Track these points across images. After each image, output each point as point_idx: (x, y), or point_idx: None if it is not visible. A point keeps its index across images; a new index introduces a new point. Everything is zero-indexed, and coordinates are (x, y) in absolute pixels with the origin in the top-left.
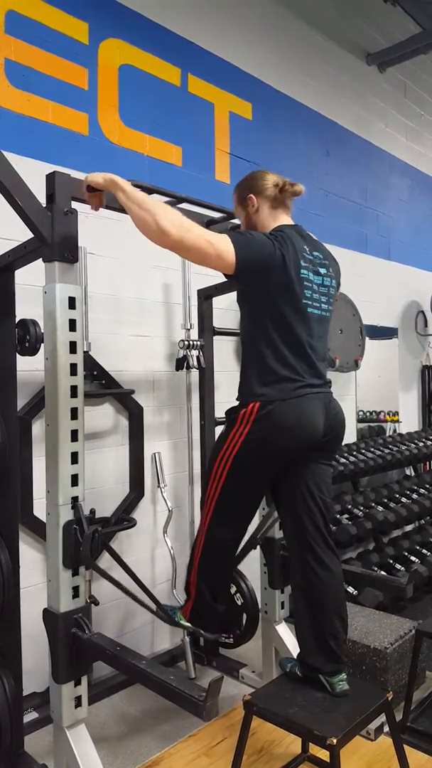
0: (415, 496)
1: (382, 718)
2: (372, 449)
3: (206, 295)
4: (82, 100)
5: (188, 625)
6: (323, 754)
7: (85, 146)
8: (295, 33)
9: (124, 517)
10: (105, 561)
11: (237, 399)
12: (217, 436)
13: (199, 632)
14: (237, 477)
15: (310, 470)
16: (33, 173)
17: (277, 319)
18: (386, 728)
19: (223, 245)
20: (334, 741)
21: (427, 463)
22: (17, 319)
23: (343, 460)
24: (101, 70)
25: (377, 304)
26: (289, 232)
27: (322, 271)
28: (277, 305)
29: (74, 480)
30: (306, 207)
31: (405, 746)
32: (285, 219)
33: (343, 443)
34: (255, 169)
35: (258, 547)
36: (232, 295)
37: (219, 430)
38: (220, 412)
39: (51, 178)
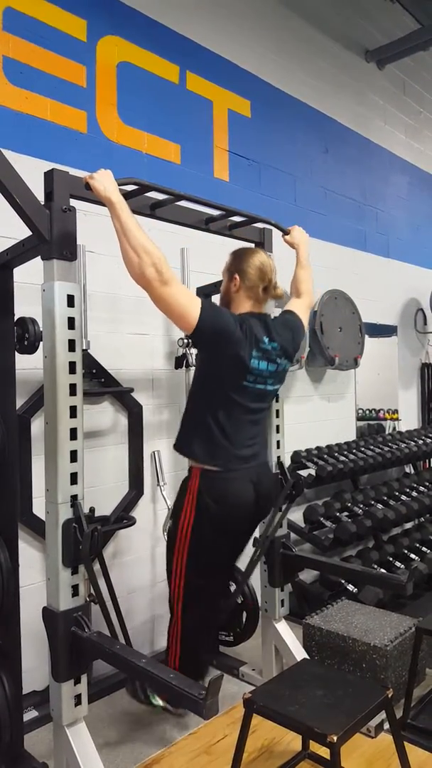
0: (414, 493)
1: (383, 715)
2: (371, 447)
3: (206, 293)
4: (80, 98)
5: (162, 705)
6: (324, 752)
7: (83, 144)
8: (293, 30)
9: (123, 516)
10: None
11: (175, 446)
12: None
13: (177, 713)
14: (197, 558)
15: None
16: (31, 171)
17: (221, 391)
18: (386, 725)
19: (191, 308)
20: (335, 738)
21: (427, 460)
22: (16, 318)
23: (342, 458)
24: (99, 68)
25: (376, 302)
26: (253, 321)
27: (276, 360)
28: (224, 379)
29: (73, 478)
30: (305, 205)
31: (405, 743)
32: (256, 307)
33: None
34: (253, 166)
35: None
36: None
37: None
38: None
39: (49, 175)
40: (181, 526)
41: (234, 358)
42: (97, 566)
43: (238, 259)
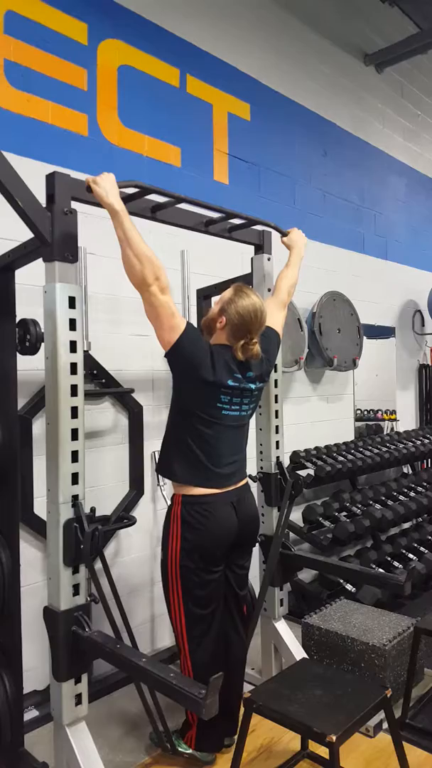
0: (412, 494)
1: (381, 715)
2: (370, 447)
3: (205, 295)
4: (81, 101)
5: (195, 754)
6: (323, 751)
7: (84, 147)
8: (293, 34)
9: (124, 516)
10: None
11: (158, 470)
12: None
13: (207, 759)
14: (191, 588)
15: (230, 577)
16: (33, 174)
17: (197, 415)
18: (385, 725)
19: (177, 324)
20: (334, 738)
21: (425, 461)
22: (18, 319)
23: (341, 459)
24: (100, 71)
25: (375, 303)
26: (227, 353)
27: (250, 386)
28: (198, 404)
29: (74, 478)
30: (304, 207)
31: (404, 743)
32: (232, 351)
33: (256, 537)
34: (253, 169)
35: (257, 545)
36: None
37: None
38: None
39: (51, 178)
40: (170, 556)
41: (205, 382)
42: (99, 565)
43: (232, 300)
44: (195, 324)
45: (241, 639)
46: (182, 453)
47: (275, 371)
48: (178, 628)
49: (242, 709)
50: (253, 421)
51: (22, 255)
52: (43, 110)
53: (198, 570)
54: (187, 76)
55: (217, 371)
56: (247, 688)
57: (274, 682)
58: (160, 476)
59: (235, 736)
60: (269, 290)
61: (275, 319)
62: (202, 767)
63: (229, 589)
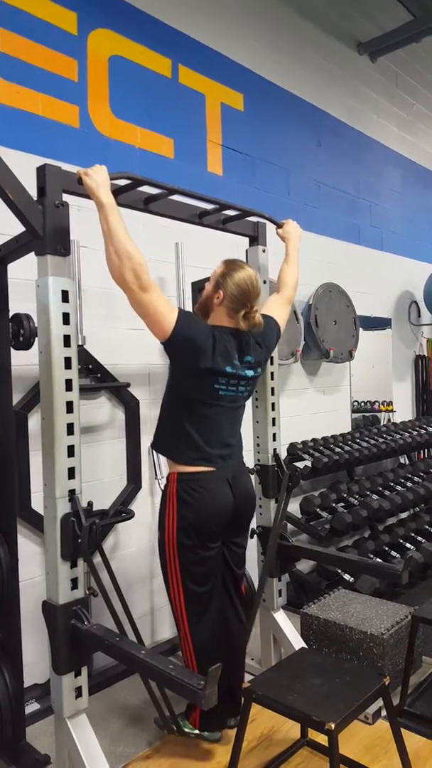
0: (409, 484)
1: (380, 702)
2: (367, 438)
3: (200, 288)
4: (72, 92)
5: (198, 732)
6: (322, 739)
7: (75, 138)
8: (286, 23)
9: (122, 509)
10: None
11: (153, 446)
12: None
13: (212, 738)
14: (188, 565)
15: (227, 555)
16: (23, 166)
17: (192, 397)
18: (384, 712)
19: (167, 316)
20: (333, 726)
21: (421, 451)
22: (11, 314)
23: (338, 450)
24: (91, 62)
25: (371, 295)
26: (227, 337)
27: (248, 373)
28: (195, 387)
29: (71, 473)
30: (298, 198)
31: (402, 730)
32: (233, 324)
33: (252, 516)
34: (247, 160)
35: (255, 536)
36: None
37: None
38: None
39: (42, 170)
40: (167, 535)
41: (203, 369)
42: (99, 560)
43: (226, 274)
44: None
45: (240, 619)
46: (177, 432)
47: (271, 363)
48: (177, 607)
49: (242, 699)
50: (249, 414)
51: (14, 249)
52: (33, 102)
53: (195, 547)
54: (179, 66)
55: (216, 357)
56: (246, 678)
57: (274, 672)
58: (157, 470)
59: (235, 722)
60: (264, 282)
61: (278, 313)
62: (203, 752)
63: (227, 567)
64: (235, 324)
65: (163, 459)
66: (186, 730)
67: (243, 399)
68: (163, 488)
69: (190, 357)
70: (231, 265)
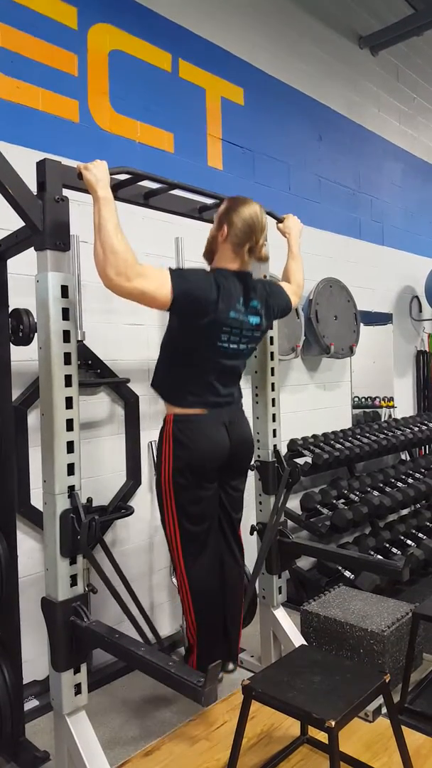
0: (410, 480)
1: (380, 700)
2: (367, 434)
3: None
4: (72, 87)
5: None
6: (322, 736)
7: (75, 133)
8: (286, 16)
9: (121, 506)
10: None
11: (152, 385)
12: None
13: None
14: (184, 504)
15: (224, 498)
16: (23, 161)
17: (193, 347)
18: (384, 710)
19: (160, 289)
20: (333, 723)
21: (422, 447)
22: (10, 309)
23: (338, 446)
24: (91, 56)
25: (371, 290)
26: (231, 279)
27: (253, 320)
28: (197, 337)
29: (70, 469)
30: (299, 193)
31: (403, 727)
32: (238, 264)
33: (250, 461)
34: (247, 154)
35: (255, 533)
36: None
37: None
38: None
39: (42, 165)
40: (163, 475)
41: (209, 322)
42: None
43: (229, 209)
44: None
45: (236, 563)
46: (175, 377)
47: (272, 359)
48: (174, 547)
49: (242, 696)
50: (249, 410)
51: (13, 244)
52: (33, 96)
53: (190, 486)
54: (179, 60)
55: (220, 304)
56: (246, 675)
57: (274, 669)
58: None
59: (233, 666)
60: (265, 276)
61: (290, 292)
62: (203, 748)
63: (224, 511)
64: (241, 262)
65: None
66: None
67: (244, 356)
68: (160, 430)
69: (195, 314)
70: (234, 200)
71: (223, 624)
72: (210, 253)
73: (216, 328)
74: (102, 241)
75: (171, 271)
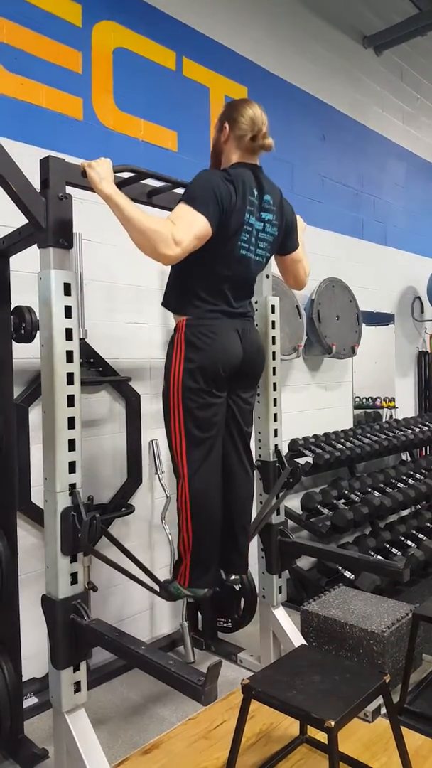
0: (411, 481)
1: (380, 700)
2: (368, 435)
3: None
4: (76, 84)
5: (188, 593)
6: (321, 736)
7: (79, 131)
8: (291, 15)
9: (122, 504)
10: (103, 547)
11: (163, 303)
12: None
13: (199, 594)
14: (193, 409)
15: (235, 410)
16: (27, 158)
17: (209, 254)
18: (383, 710)
19: (202, 229)
20: (332, 723)
21: (423, 448)
22: (13, 306)
23: (339, 446)
24: (95, 54)
25: (374, 290)
26: (243, 171)
27: (266, 216)
28: (215, 243)
29: (72, 467)
30: (302, 192)
31: (402, 728)
32: (247, 157)
33: (261, 372)
34: None
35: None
36: None
37: None
38: None
39: (45, 163)
40: (172, 381)
41: (230, 223)
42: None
43: (230, 108)
44: None
45: (247, 474)
46: (188, 290)
47: (273, 359)
48: (178, 452)
49: (241, 695)
50: None
51: (16, 241)
52: (37, 94)
53: (201, 391)
54: (183, 58)
55: (238, 201)
56: (246, 674)
57: (273, 669)
58: (157, 465)
59: (238, 577)
60: (267, 276)
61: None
62: (202, 747)
63: (235, 423)
64: (248, 153)
65: (163, 454)
66: (173, 591)
67: (258, 265)
68: (170, 337)
69: (225, 220)
70: (234, 101)
71: (230, 532)
72: (216, 158)
73: (236, 228)
74: (138, 229)
75: (189, 202)
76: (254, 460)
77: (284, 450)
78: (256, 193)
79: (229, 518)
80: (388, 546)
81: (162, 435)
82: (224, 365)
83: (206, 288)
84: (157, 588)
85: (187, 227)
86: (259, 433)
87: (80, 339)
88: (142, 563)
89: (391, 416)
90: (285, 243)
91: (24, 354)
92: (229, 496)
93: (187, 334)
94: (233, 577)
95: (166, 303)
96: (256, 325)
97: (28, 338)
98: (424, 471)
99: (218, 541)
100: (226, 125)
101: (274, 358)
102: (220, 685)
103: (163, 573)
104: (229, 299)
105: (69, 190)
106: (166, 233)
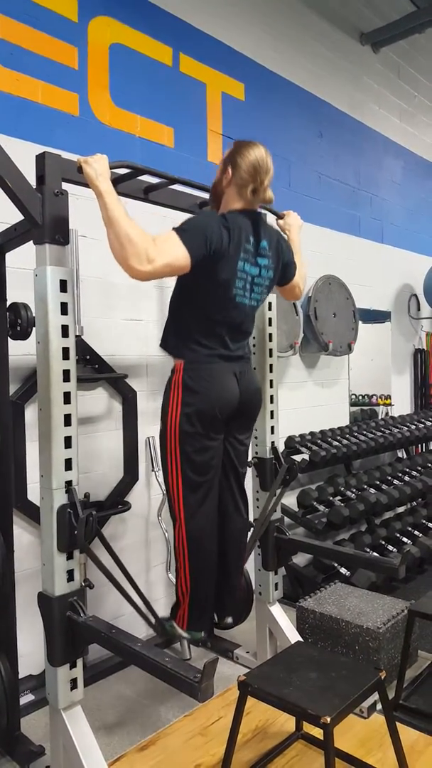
0: (407, 478)
1: (375, 696)
2: (364, 432)
3: None
4: (72, 80)
5: (186, 635)
6: (317, 732)
7: (75, 127)
8: (288, 12)
9: (118, 501)
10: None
11: (161, 345)
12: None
13: (197, 637)
14: (190, 453)
15: (231, 452)
16: (22, 154)
17: (204, 300)
18: (379, 706)
19: (178, 259)
20: (328, 720)
21: (419, 445)
22: (8, 303)
23: (335, 443)
24: (91, 49)
25: (370, 287)
26: (241, 219)
27: (262, 262)
28: (209, 289)
29: (68, 464)
30: (299, 189)
31: (397, 723)
32: (245, 204)
33: (258, 413)
34: None
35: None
36: None
37: None
38: None
39: (41, 159)
40: (169, 423)
41: (221, 269)
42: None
43: (235, 151)
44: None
45: (240, 515)
46: (186, 334)
47: (270, 356)
48: (175, 497)
49: (237, 692)
50: None
51: (12, 237)
52: (33, 89)
53: (198, 435)
54: (180, 54)
55: (232, 249)
56: (242, 671)
57: (269, 665)
58: (153, 462)
59: (231, 620)
60: None
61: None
62: (198, 743)
63: (230, 464)
64: (246, 202)
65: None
66: (169, 629)
67: (253, 310)
68: (167, 380)
69: (216, 261)
70: (240, 143)
71: (223, 575)
72: (216, 197)
73: (229, 275)
74: (116, 234)
75: (178, 232)
76: (251, 459)
77: (281, 447)
78: (252, 240)
79: (223, 559)
80: (383, 543)
81: (158, 432)
82: (221, 409)
83: (202, 332)
84: (152, 619)
85: (165, 251)
86: (256, 430)
87: (76, 336)
88: (139, 589)
89: (387, 413)
90: (283, 277)
91: (20, 351)
92: (222, 536)
93: (185, 377)
94: (228, 620)
95: (164, 345)
96: (254, 368)
97: (23, 335)
98: (419, 468)
99: (214, 583)
100: (229, 169)
101: (270, 356)
102: (216, 682)
103: (160, 571)
104: (226, 342)
105: (65, 186)
106: (142, 248)
